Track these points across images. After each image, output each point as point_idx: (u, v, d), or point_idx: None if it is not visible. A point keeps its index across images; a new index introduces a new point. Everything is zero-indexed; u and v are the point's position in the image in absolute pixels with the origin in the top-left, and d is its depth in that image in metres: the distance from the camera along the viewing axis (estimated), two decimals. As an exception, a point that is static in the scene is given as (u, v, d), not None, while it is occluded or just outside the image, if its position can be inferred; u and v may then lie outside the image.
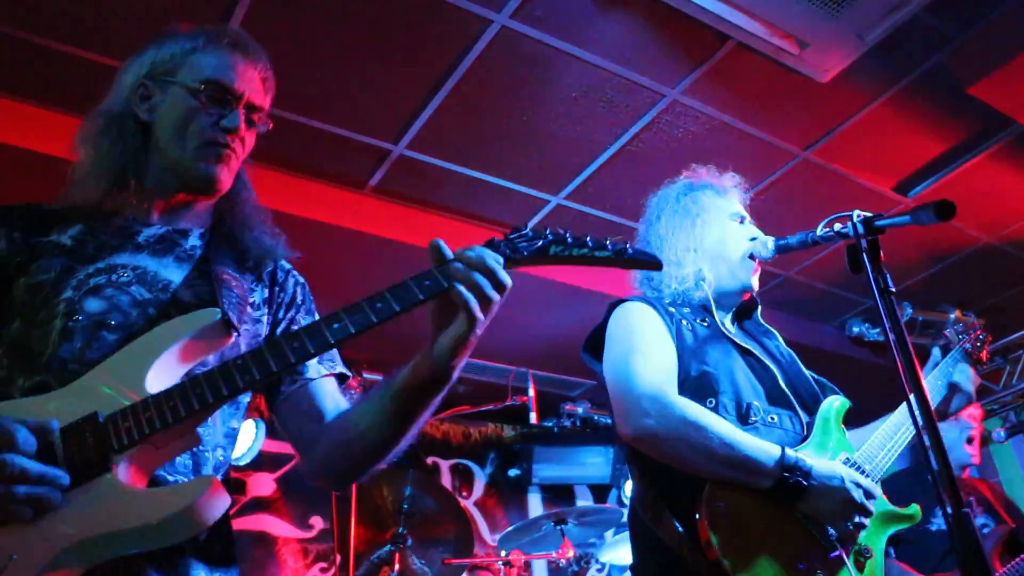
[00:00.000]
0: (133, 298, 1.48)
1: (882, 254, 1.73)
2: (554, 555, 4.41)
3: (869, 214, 1.80)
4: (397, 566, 4.40)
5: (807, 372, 2.34)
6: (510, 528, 4.49)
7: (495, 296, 1.36)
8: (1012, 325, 6.59)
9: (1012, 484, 6.89)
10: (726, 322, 2.33)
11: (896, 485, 4.30)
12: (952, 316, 6.39)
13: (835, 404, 2.23)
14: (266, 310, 1.69)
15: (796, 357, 2.37)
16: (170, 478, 1.41)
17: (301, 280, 1.81)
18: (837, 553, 1.94)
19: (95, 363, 1.38)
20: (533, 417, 4.28)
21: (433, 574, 4.64)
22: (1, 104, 3.61)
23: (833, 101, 4.02)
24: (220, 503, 1.28)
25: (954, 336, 2.63)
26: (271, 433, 5.10)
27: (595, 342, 2.28)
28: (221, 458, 1.55)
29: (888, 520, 2.15)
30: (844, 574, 1.93)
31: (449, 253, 1.44)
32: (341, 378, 1.72)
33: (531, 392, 4.38)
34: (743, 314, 2.44)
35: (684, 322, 2.23)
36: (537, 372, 5.53)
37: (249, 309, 1.63)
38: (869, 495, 2.01)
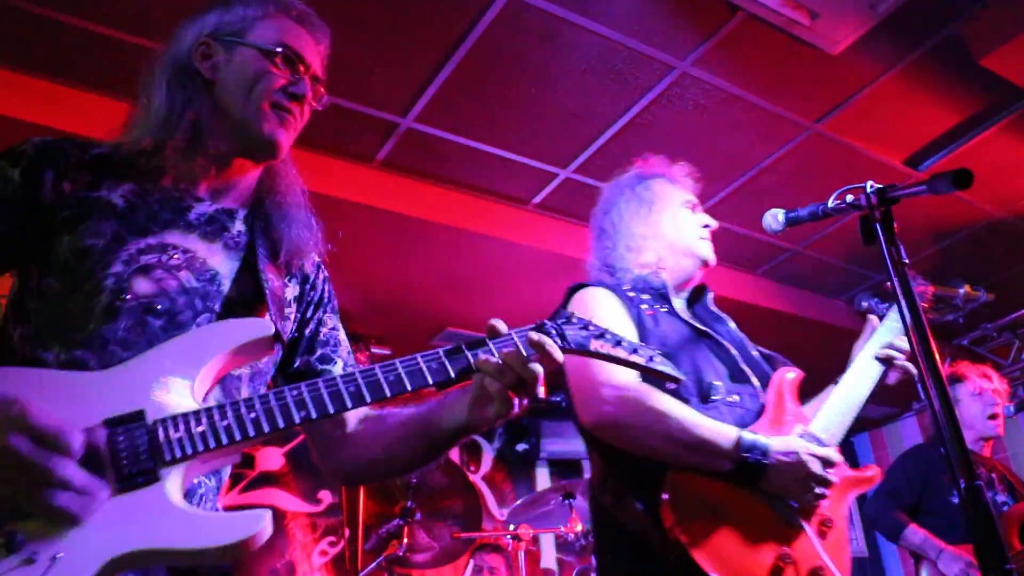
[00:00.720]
0: (181, 284, 1.46)
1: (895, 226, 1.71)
2: (562, 529, 4.42)
3: (882, 185, 1.79)
4: (406, 540, 4.41)
5: (757, 352, 2.40)
6: (518, 502, 4.50)
7: (536, 394, 1.36)
8: (1021, 300, 6.57)
9: (1019, 459, 6.89)
10: (682, 307, 2.38)
11: (925, 460, 4.30)
12: (962, 291, 6.40)
13: (787, 376, 2.27)
14: (295, 307, 1.66)
15: (746, 339, 2.42)
16: (194, 480, 1.40)
17: (327, 275, 1.79)
18: (798, 525, 1.99)
19: (137, 348, 1.36)
20: (541, 391, 4.26)
21: (442, 548, 4.66)
22: (33, 83, 3.60)
23: (844, 73, 3.97)
24: (267, 534, 1.27)
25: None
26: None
27: None
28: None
29: (849, 485, 2.18)
30: (809, 548, 1.97)
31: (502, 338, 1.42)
32: None
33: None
34: (695, 300, 2.49)
35: (644, 307, 2.27)
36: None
37: (285, 308, 1.61)
38: (828, 463, 2.02)
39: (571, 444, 6.42)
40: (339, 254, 5.10)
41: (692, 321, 2.33)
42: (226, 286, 1.51)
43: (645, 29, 3.63)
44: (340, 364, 1.66)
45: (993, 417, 4.14)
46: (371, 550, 4.51)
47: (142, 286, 1.42)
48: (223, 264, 1.53)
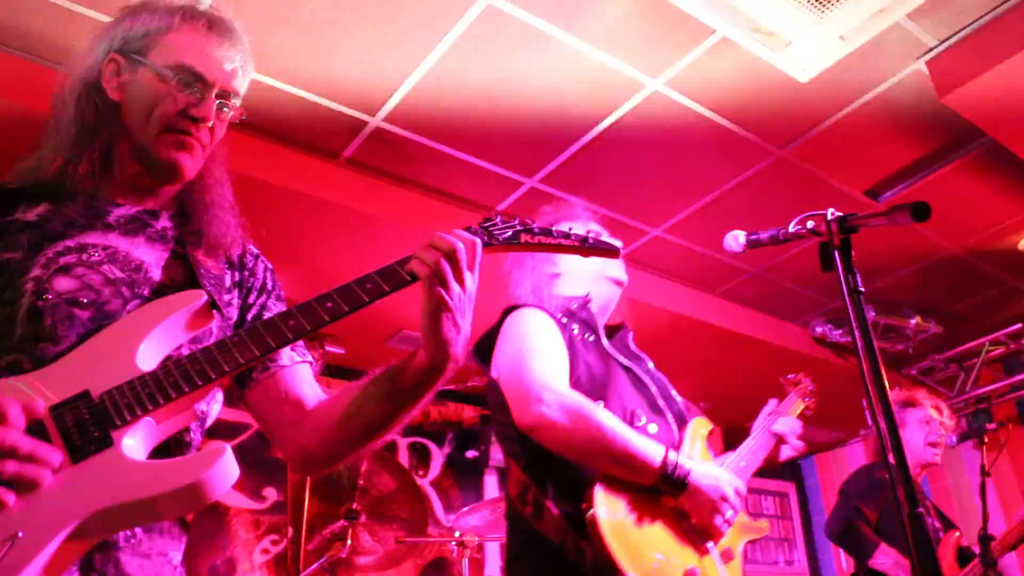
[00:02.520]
0: (105, 276, 1.44)
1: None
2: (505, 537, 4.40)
3: (843, 214, 1.82)
4: (349, 542, 4.38)
5: (676, 394, 2.52)
6: (464, 508, 4.49)
7: (452, 282, 1.44)
8: (970, 333, 6.70)
9: (960, 489, 7.01)
10: (605, 341, 2.49)
11: (880, 479, 4.36)
12: (913, 321, 6.54)
13: (702, 424, 2.45)
14: (236, 293, 1.65)
15: (667, 380, 2.53)
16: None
17: (270, 266, 1.78)
18: (707, 547, 2.15)
19: (67, 341, 1.36)
20: (493, 400, 4.26)
21: (385, 552, 4.63)
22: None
23: (812, 101, 4.03)
24: (230, 474, 1.27)
25: (788, 386, 2.90)
26: (228, 402, 5.06)
27: (486, 345, 2.40)
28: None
29: (744, 529, 2.36)
30: (711, 566, 2.13)
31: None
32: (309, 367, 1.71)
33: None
34: (612, 336, 2.58)
35: (575, 332, 2.38)
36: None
37: (224, 294, 1.60)
38: (739, 495, 2.20)
39: (521, 453, 6.41)
40: (297, 248, 5.09)
41: (616, 355, 2.45)
42: (155, 273, 1.50)
43: (621, 45, 3.65)
44: (287, 349, 1.63)
45: (934, 445, 4.23)
46: (314, 551, 4.46)
47: (63, 284, 1.41)
48: (148, 255, 1.52)
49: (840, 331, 6.34)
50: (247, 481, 5.50)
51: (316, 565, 4.31)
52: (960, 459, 7.20)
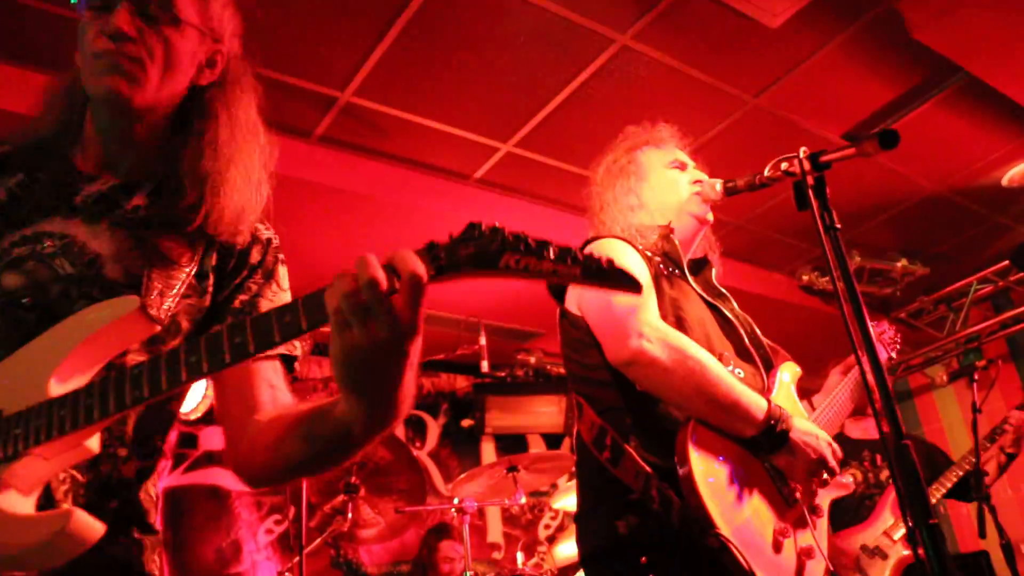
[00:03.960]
0: (55, 273, 1.32)
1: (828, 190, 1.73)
2: (507, 502, 4.43)
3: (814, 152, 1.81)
4: (350, 516, 4.41)
5: (762, 337, 2.38)
6: (462, 475, 4.51)
7: (371, 324, 1.02)
8: (957, 273, 6.71)
9: (953, 429, 7.06)
10: (693, 277, 2.35)
11: None
12: (899, 264, 6.55)
13: (791, 370, 2.32)
14: (212, 278, 1.45)
15: (753, 321, 2.41)
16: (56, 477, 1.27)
17: (272, 244, 1.55)
18: (798, 505, 2.02)
19: (11, 346, 1.24)
20: (484, 366, 4.27)
21: (387, 523, 4.66)
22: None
23: (783, 47, 4.00)
24: (82, 535, 1.13)
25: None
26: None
27: None
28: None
29: (832, 486, 2.22)
30: (803, 528, 2.01)
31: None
32: (285, 360, 1.47)
33: (482, 340, 4.37)
34: (696, 272, 2.46)
35: (661, 266, 2.25)
36: (489, 322, 5.53)
37: (194, 282, 1.43)
38: (836, 457, 2.05)
39: (516, 419, 6.44)
40: (280, 231, 5.05)
41: (700, 291, 2.31)
42: (109, 269, 1.36)
43: (586, 1, 3.61)
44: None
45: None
46: (316, 527, 4.50)
47: (11, 280, 1.31)
48: (106, 245, 1.38)
49: (827, 278, 6.34)
50: (246, 464, 5.51)
51: (319, 540, 4.34)
52: (953, 398, 7.25)
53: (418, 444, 6.32)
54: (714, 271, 2.49)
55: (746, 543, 1.83)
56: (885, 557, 3.90)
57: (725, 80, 4.19)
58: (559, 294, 2.30)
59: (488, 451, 6.69)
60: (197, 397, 4.88)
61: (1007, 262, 6.25)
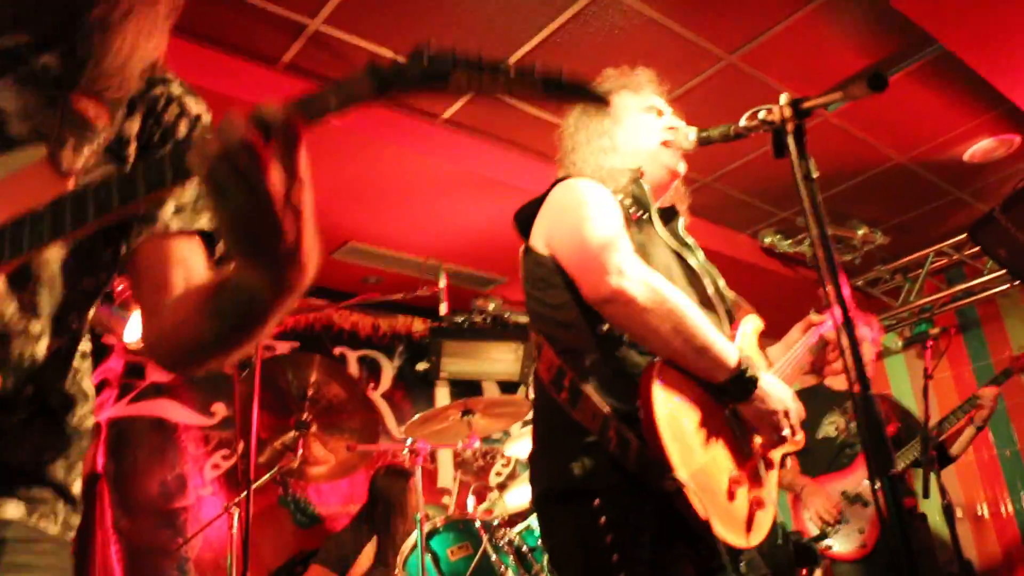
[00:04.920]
0: None
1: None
2: (460, 446, 4.43)
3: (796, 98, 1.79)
4: (301, 452, 4.38)
5: (726, 289, 2.38)
6: (416, 416, 4.49)
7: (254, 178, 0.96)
8: (914, 244, 6.81)
9: (902, 394, 7.19)
10: (658, 223, 2.33)
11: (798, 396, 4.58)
12: (860, 232, 6.61)
13: (753, 323, 2.33)
14: (135, 143, 1.36)
15: (718, 272, 2.40)
16: None
17: (195, 113, 1.44)
18: (754, 454, 2.04)
19: None
20: (444, 308, 4.24)
21: (338, 461, 4.64)
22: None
23: (762, 4, 3.96)
24: None
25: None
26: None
27: (529, 213, 2.27)
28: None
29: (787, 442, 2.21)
30: (756, 478, 2.03)
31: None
32: (205, 238, 1.38)
33: (442, 283, 4.33)
34: (665, 221, 2.44)
35: (631, 209, 2.23)
36: (450, 266, 5.50)
37: (113, 147, 1.33)
38: (799, 412, 2.08)
39: (472, 365, 6.44)
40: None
41: (668, 238, 2.29)
42: (14, 125, 1.26)
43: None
44: (169, 210, 1.35)
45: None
46: (265, 463, 4.46)
47: None
48: (11, 102, 1.27)
49: (789, 241, 6.39)
50: (195, 397, 5.45)
51: (267, 476, 4.31)
52: (903, 366, 7.40)
53: (372, 385, 6.31)
54: (682, 221, 2.47)
55: (702, 488, 1.84)
56: (866, 505, 4.06)
57: (702, 35, 4.15)
58: (525, 228, 2.28)
59: (443, 396, 6.69)
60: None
61: (964, 236, 6.34)
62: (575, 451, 1.96)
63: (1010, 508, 6.80)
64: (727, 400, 2.02)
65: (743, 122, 1.97)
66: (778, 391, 2.03)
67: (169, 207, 1.33)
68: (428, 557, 3.88)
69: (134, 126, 1.36)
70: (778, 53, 4.32)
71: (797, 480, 4.40)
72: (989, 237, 5.84)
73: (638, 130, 2.38)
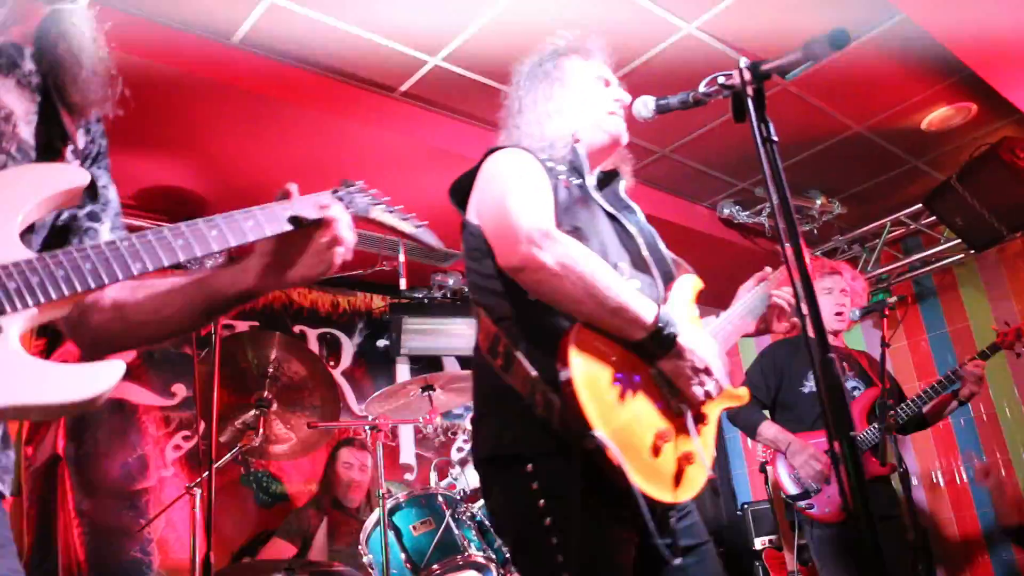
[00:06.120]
0: None
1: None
2: (421, 421, 4.42)
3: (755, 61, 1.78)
4: (262, 431, 4.34)
5: (666, 249, 2.40)
6: (376, 392, 4.47)
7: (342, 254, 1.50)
8: (872, 214, 6.86)
9: (859, 363, 7.29)
10: (593, 186, 2.36)
11: (779, 352, 4.58)
12: (818, 202, 6.65)
13: (690, 282, 2.33)
14: (77, 162, 1.50)
15: (656, 233, 2.42)
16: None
17: (103, 128, 1.62)
18: (682, 411, 2.05)
19: None
20: (403, 283, 4.21)
21: (299, 439, 4.61)
22: None
23: (721, -28, 3.95)
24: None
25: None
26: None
27: (464, 185, 2.29)
28: None
29: (724, 397, 2.23)
30: (685, 434, 2.05)
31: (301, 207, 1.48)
32: None
33: (401, 258, 4.29)
34: (605, 184, 2.49)
35: (561, 177, 2.24)
36: (408, 241, 5.45)
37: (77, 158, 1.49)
38: (724, 367, 2.11)
39: (432, 341, 6.41)
40: (197, 137, 4.87)
41: (602, 202, 2.32)
42: (23, 129, 1.36)
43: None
44: (107, 225, 1.53)
45: (838, 314, 4.41)
46: (226, 443, 4.42)
47: None
48: (17, 103, 1.37)
49: (747, 212, 6.42)
50: (155, 378, 5.40)
51: (229, 456, 4.28)
52: (861, 335, 7.48)
53: (332, 362, 6.27)
54: (623, 183, 2.50)
55: (624, 445, 1.86)
56: None
57: (662, 4, 4.12)
58: (461, 203, 2.30)
59: (403, 372, 6.67)
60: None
61: (920, 205, 6.40)
62: (509, 417, 2.02)
63: (964, 477, 6.92)
64: (649, 357, 2.04)
65: (703, 88, 1.99)
66: (701, 347, 2.05)
67: (106, 225, 1.52)
68: (391, 533, 3.87)
69: (84, 136, 1.50)
70: (739, 22, 4.30)
71: (781, 436, 4.28)
72: (945, 206, 5.91)
73: (585, 97, 2.40)
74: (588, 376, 1.89)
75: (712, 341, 2.15)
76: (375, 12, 3.99)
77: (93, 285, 1.20)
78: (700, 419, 2.12)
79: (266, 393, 4.42)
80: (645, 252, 2.28)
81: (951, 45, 4.36)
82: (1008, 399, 6.72)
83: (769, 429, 4.36)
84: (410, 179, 4.97)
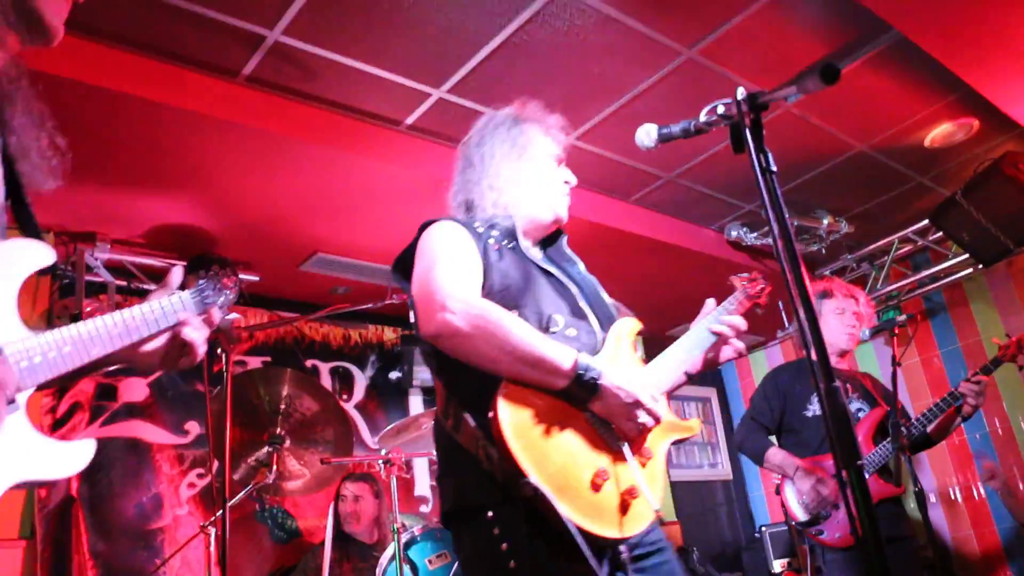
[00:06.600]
0: None
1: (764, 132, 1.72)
2: (435, 454, 4.41)
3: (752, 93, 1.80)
4: (275, 468, 4.34)
5: (606, 296, 2.50)
6: (389, 427, 4.47)
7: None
8: (879, 231, 6.87)
9: (873, 382, 7.27)
10: (531, 248, 2.45)
11: (782, 377, 4.58)
12: (825, 222, 6.66)
13: (628, 325, 2.39)
14: None
15: (598, 283, 2.52)
16: None
17: None
18: (619, 448, 2.12)
19: None
20: (413, 316, 4.21)
21: (313, 475, 4.61)
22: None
23: (719, -1, 3.98)
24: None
25: (738, 284, 2.82)
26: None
27: (406, 259, 2.38)
28: None
29: (670, 429, 2.31)
30: (626, 470, 2.10)
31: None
32: None
33: (412, 290, 4.30)
34: (548, 242, 2.58)
35: (491, 241, 2.34)
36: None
37: None
38: (655, 400, 2.16)
39: (445, 371, 6.40)
40: (200, 172, 4.91)
41: (535, 260, 2.40)
42: None
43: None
44: None
45: (848, 335, 4.42)
46: (240, 480, 4.42)
47: None
48: None
49: (755, 234, 6.42)
50: (168, 417, 5.40)
51: (243, 493, 4.27)
52: (873, 353, 7.46)
53: (345, 396, 6.27)
54: (565, 238, 2.61)
55: (561, 487, 1.94)
56: None
57: (661, 30, 4.15)
58: (406, 276, 2.37)
59: (416, 404, 6.67)
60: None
61: (927, 222, 6.40)
62: (465, 473, 2.10)
63: (982, 491, 6.87)
64: (577, 402, 2.11)
65: (702, 117, 2.03)
66: (627, 384, 2.11)
67: None
68: (407, 568, 3.86)
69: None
70: (737, 46, 4.34)
71: (787, 462, 4.27)
72: (951, 221, 5.91)
73: (540, 172, 2.51)
74: (517, 426, 1.97)
75: (648, 377, 2.25)
76: (381, 47, 4.04)
77: (87, 363, 1.38)
78: (646, 456, 2.20)
79: (279, 430, 4.43)
80: (582, 301, 2.37)
81: (948, 62, 4.39)
82: (1023, 412, 6.69)
83: (776, 455, 4.36)
84: (416, 211, 4.98)
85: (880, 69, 4.69)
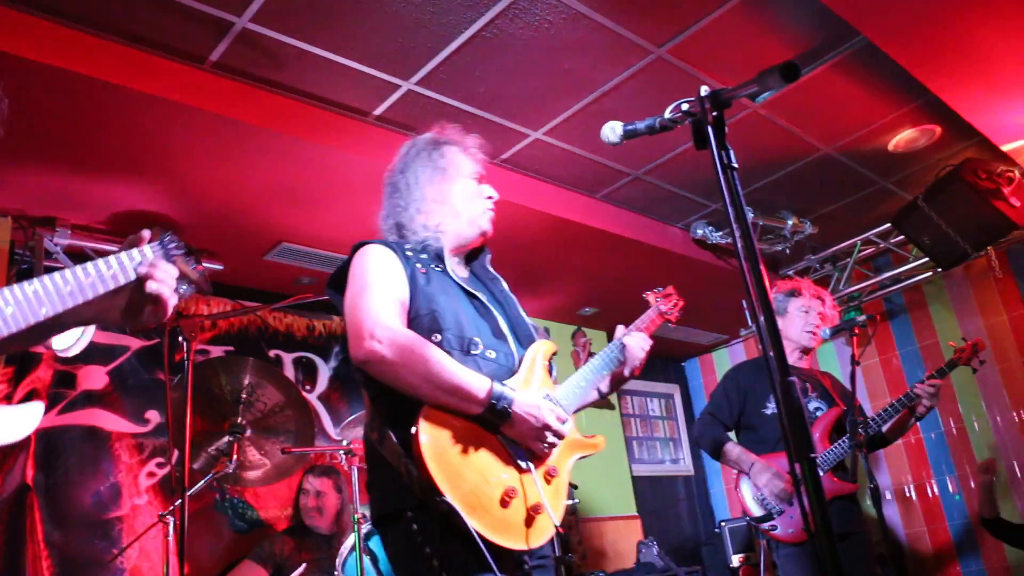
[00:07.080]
0: None
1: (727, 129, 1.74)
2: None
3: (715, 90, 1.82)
4: (236, 457, 4.32)
5: (525, 316, 2.66)
6: (351, 417, 4.46)
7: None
8: (843, 233, 6.96)
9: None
10: (458, 269, 2.62)
11: (743, 374, 4.64)
12: (790, 222, 6.73)
13: (542, 347, 2.57)
14: None
15: (517, 301, 2.67)
16: None
17: None
18: (527, 468, 2.32)
19: None
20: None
21: (273, 465, 4.59)
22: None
23: (689, -1, 4.01)
24: None
25: (652, 299, 3.03)
26: (102, 326, 4.86)
27: (339, 278, 2.50)
28: None
29: (575, 447, 2.54)
30: (533, 487, 2.30)
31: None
32: None
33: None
34: (473, 258, 2.74)
35: (419, 266, 2.47)
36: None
37: None
38: (562, 421, 2.37)
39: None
40: (164, 159, 4.84)
41: (461, 282, 2.55)
42: None
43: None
44: None
45: (811, 332, 4.49)
46: (200, 469, 4.39)
47: None
48: None
49: (720, 233, 6.48)
50: (128, 405, 5.33)
51: (203, 483, 4.24)
52: (834, 353, 7.55)
53: (308, 387, 6.24)
54: (488, 256, 2.77)
55: (474, 504, 2.13)
56: None
57: (631, 28, 4.17)
58: (338, 289, 2.49)
59: (379, 396, 6.63)
60: (75, 334, 4.68)
61: (889, 225, 6.49)
62: (388, 483, 2.26)
63: (936, 489, 7.00)
64: (490, 428, 2.28)
65: (667, 114, 2.06)
66: (533, 410, 2.30)
67: None
68: (367, 558, 3.85)
69: None
70: (707, 46, 4.37)
71: (744, 457, 4.34)
72: (913, 225, 6.00)
73: (465, 193, 2.64)
74: (435, 448, 2.14)
75: (549, 403, 2.38)
76: (350, 37, 4.02)
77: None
78: (552, 474, 2.40)
79: (240, 419, 4.40)
80: (503, 323, 2.55)
81: (913, 69, 4.45)
82: (976, 413, 6.83)
83: (733, 450, 4.43)
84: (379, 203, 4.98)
85: (847, 74, 4.75)
